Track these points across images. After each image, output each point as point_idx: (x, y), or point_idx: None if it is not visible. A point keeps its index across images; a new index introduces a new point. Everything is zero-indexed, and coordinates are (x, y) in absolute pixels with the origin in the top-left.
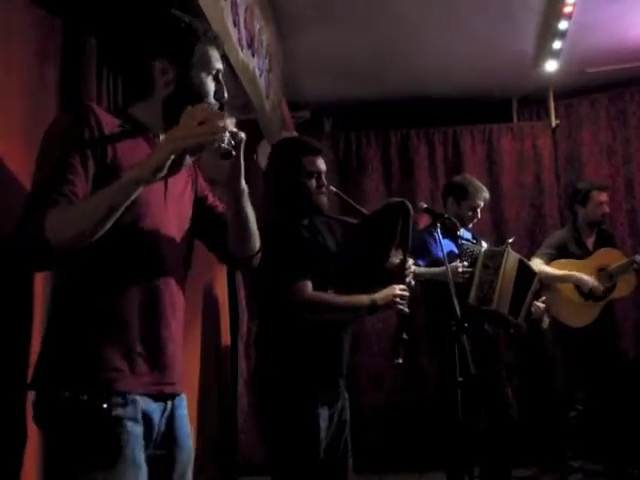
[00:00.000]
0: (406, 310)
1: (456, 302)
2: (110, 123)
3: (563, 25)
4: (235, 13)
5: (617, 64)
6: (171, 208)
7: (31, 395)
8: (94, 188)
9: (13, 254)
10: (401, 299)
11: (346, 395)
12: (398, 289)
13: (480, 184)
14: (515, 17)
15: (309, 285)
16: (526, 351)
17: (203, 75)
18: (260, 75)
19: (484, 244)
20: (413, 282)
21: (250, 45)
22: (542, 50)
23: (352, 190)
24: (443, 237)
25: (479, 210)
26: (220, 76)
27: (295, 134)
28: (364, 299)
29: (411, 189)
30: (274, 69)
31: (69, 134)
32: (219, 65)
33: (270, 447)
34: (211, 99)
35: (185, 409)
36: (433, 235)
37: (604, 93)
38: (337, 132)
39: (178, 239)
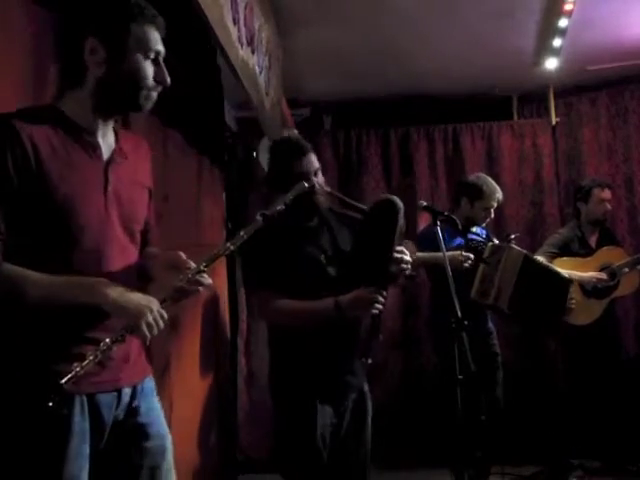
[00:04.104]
0: (375, 312)
1: (456, 299)
2: (35, 132)
3: (563, 23)
4: (235, 10)
5: (617, 62)
6: (114, 207)
7: None
8: (22, 203)
9: None
10: (368, 301)
11: (364, 390)
12: (364, 292)
13: (494, 184)
14: (515, 14)
15: (274, 298)
16: (527, 349)
17: (139, 57)
18: (260, 73)
19: (496, 242)
20: (413, 272)
21: (250, 42)
22: (542, 48)
23: (352, 188)
24: (454, 233)
25: (492, 211)
26: (160, 59)
27: (295, 132)
28: (329, 303)
29: (411, 186)
30: (274, 67)
31: None
32: (159, 47)
33: (275, 442)
34: (150, 81)
35: (152, 395)
36: (438, 232)
37: (604, 91)
38: (337, 130)
39: (127, 245)
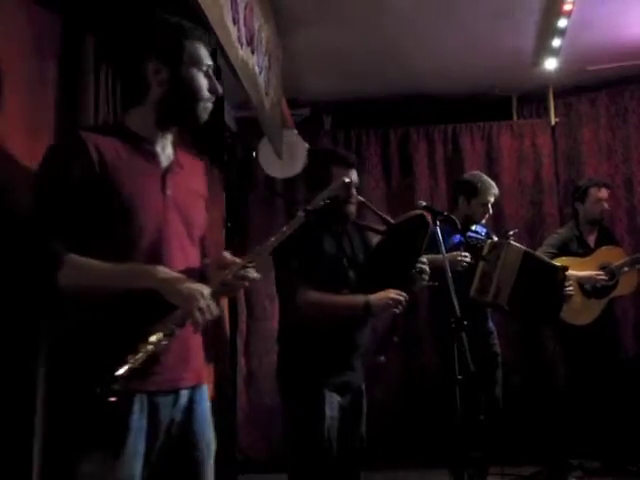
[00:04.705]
0: (397, 312)
1: (455, 300)
2: (101, 142)
3: (563, 23)
4: (235, 11)
5: (616, 62)
6: (174, 211)
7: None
8: (88, 204)
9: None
10: (395, 303)
11: (362, 388)
12: (394, 293)
13: (490, 181)
14: (515, 15)
15: (308, 290)
16: (526, 349)
17: (194, 71)
18: (260, 73)
19: (495, 239)
20: (430, 282)
21: (250, 43)
22: (542, 48)
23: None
24: (453, 232)
25: (490, 206)
26: (210, 71)
27: (295, 131)
28: (359, 299)
29: (411, 186)
30: (273, 67)
31: (60, 167)
32: (209, 61)
33: (284, 433)
34: (205, 93)
35: (205, 399)
36: (438, 232)
37: (604, 91)
38: (337, 130)
39: (187, 245)
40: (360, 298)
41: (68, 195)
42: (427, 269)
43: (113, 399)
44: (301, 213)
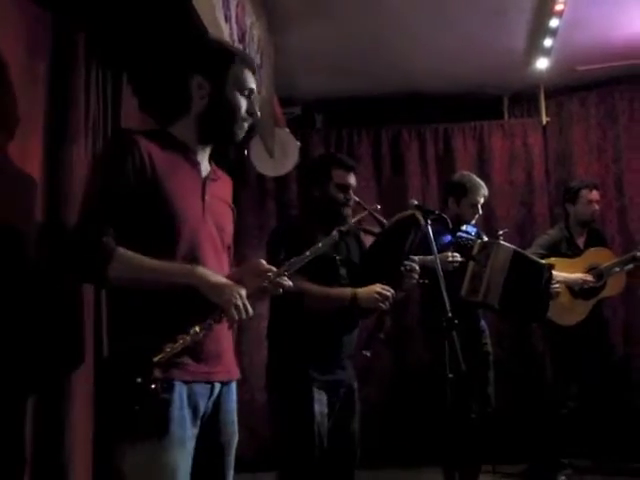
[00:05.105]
0: (384, 308)
1: (446, 298)
2: (149, 145)
3: (554, 23)
4: (226, 8)
5: (607, 62)
6: (210, 218)
7: None
8: (136, 201)
9: (66, 258)
10: (382, 297)
11: (354, 387)
12: (381, 288)
13: (478, 180)
14: (506, 14)
15: (297, 277)
16: (516, 348)
17: (236, 92)
18: None
19: (485, 239)
20: (420, 280)
21: (241, 40)
22: (533, 48)
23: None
24: (444, 232)
25: (479, 206)
26: (252, 96)
27: (287, 130)
28: (347, 291)
29: (402, 186)
30: (265, 65)
31: (112, 162)
32: (252, 85)
33: (272, 430)
34: (243, 113)
35: (234, 395)
36: (430, 232)
37: (594, 91)
38: (328, 128)
39: (220, 249)
40: (348, 290)
41: (123, 193)
42: (417, 267)
43: (153, 386)
44: (335, 233)
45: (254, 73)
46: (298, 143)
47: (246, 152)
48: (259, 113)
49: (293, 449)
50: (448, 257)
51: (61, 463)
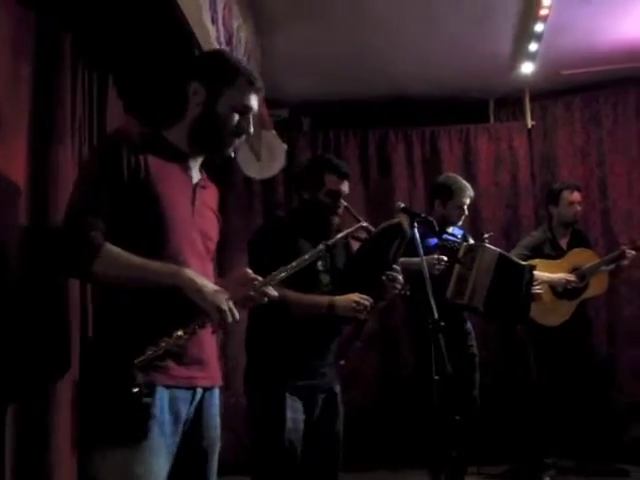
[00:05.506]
0: (361, 317)
1: (433, 300)
2: (145, 147)
3: (539, 27)
4: (213, 10)
5: (591, 67)
6: (197, 224)
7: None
8: (127, 200)
9: (53, 252)
10: (360, 307)
11: (335, 390)
12: (359, 297)
13: (464, 182)
14: (492, 19)
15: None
16: (502, 349)
17: (229, 105)
18: None
19: (471, 241)
20: (402, 291)
21: (228, 42)
22: (518, 52)
23: None
24: (430, 234)
25: (465, 208)
26: (249, 114)
27: (274, 132)
28: (324, 299)
29: (389, 188)
30: (252, 67)
31: (107, 158)
32: (251, 103)
33: (249, 436)
34: (232, 128)
35: (216, 401)
36: (416, 234)
37: (579, 95)
38: (315, 131)
39: (204, 256)
40: (325, 298)
41: (116, 189)
42: (399, 278)
43: (136, 390)
44: (322, 246)
45: (257, 94)
46: (285, 146)
47: (233, 154)
48: (252, 130)
49: (263, 455)
50: (434, 260)
51: (45, 469)
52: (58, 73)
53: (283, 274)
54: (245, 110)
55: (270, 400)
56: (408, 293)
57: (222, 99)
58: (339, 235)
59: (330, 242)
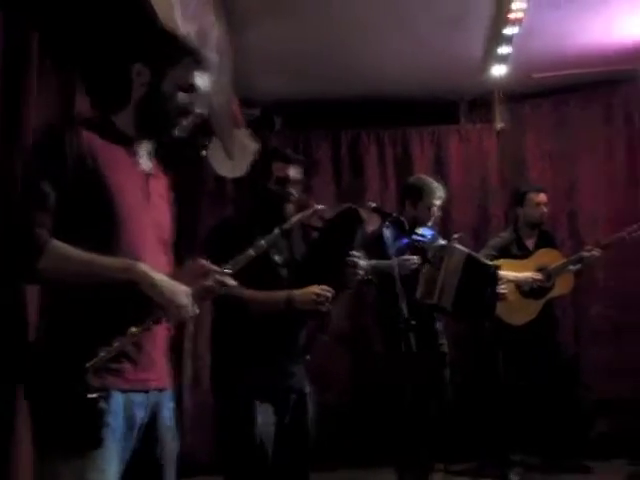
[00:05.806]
0: (324, 309)
1: (403, 301)
2: (89, 134)
3: (510, 31)
4: (185, 8)
5: (561, 70)
6: (150, 214)
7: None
8: (74, 190)
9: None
10: (321, 299)
11: (305, 391)
12: (319, 289)
13: (435, 184)
14: (464, 21)
15: None
16: (470, 348)
17: (174, 84)
18: None
19: (441, 242)
20: (365, 277)
21: (200, 41)
22: (490, 54)
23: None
24: (400, 234)
25: (435, 209)
26: (195, 91)
27: (246, 131)
28: (281, 294)
29: (361, 189)
30: (224, 66)
31: (47, 150)
32: (198, 81)
33: (216, 440)
34: (180, 107)
35: (170, 404)
36: (386, 234)
37: (548, 98)
38: (287, 130)
39: (159, 248)
40: (282, 293)
41: (60, 182)
42: (360, 263)
43: (89, 396)
44: (277, 230)
45: (205, 71)
46: (256, 144)
47: (204, 153)
48: (205, 112)
49: (234, 456)
50: (405, 261)
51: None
52: (26, 72)
53: (241, 262)
54: (191, 89)
55: (239, 405)
56: (371, 277)
57: (167, 78)
58: (294, 219)
59: (285, 226)
